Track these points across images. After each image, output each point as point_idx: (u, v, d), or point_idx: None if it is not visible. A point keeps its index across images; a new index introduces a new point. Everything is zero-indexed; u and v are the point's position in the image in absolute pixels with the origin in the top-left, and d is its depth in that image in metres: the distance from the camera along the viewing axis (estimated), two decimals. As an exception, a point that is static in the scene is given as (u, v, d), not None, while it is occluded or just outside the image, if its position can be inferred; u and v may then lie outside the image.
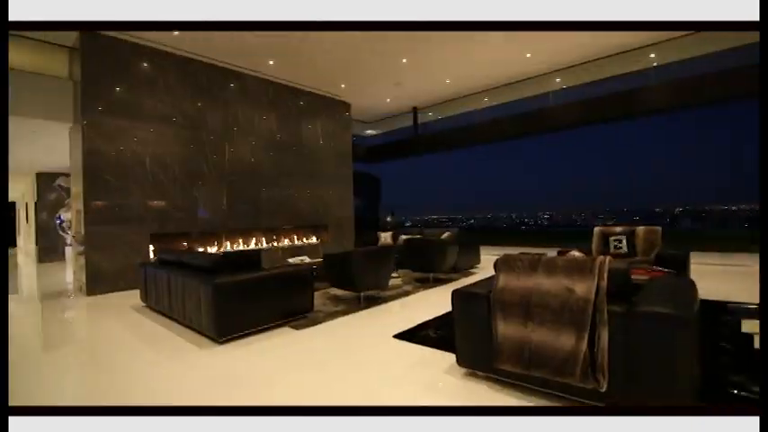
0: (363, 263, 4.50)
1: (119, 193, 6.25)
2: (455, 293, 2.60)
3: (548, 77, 9.39)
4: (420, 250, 5.89)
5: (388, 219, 13.80)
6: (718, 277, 5.68)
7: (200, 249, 7.41)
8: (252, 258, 4.02)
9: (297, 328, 3.83)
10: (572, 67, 8.90)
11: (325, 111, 9.82)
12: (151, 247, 6.61)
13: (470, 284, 2.71)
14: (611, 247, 5.09)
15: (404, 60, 8.18)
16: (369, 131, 13.37)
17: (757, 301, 2.48)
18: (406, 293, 5.29)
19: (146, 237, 6.54)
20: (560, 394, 2.16)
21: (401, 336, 3.49)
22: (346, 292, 5.24)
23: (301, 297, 4.06)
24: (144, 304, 4.99)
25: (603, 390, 1.93)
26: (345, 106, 10.44)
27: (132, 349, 3.46)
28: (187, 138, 7.12)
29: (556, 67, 8.98)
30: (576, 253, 4.24)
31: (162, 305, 4.38)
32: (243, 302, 3.52)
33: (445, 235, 6.77)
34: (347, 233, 10.22)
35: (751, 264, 6.79)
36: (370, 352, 3.18)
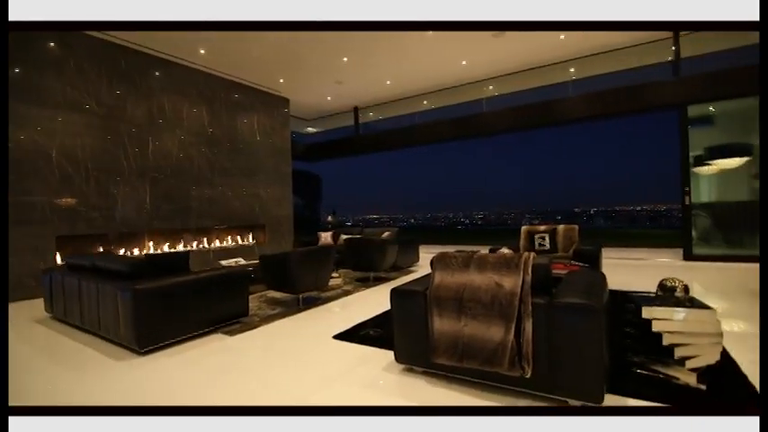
0: (302, 263, 4.39)
1: (17, 190, 5.46)
2: (393, 292, 2.63)
3: (482, 84, 9.90)
4: (360, 250, 5.90)
5: (330, 218, 13.64)
6: (624, 269, 6.40)
7: (121, 252, 6.73)
8: (179, 261, 3.73)
9: (230, 333, 3.63)
10: (503, 75, 9.48)
11: (263, 106, 9.44)
12: (59, 252, 5.87)
13: (408, 282, 2.76)
14: (536, 244, 5.51)
15: (345, 59, 8.13)
16: (309, 129, 13.10)
17: (653, 290, 2.83)
18: (347, 293, 5.27)
19: (51, 239, 5.79)
20: (491, 383, 2.28)
21: (341, 336, 3.46)
22: (284, 295, 5.08)
23: (235, 301, 3.85)
24: (49, 315, 4.41)
25: (528, 376, 2.07)
26: (284, 102, 10.12)
27: (35, 366, 3.04)
28: (103, 128, 6.42)
29: (489, 75, 9.50)
30: (505, 250, 4.52)
31: (72, 316, 3.90)
32: (168, 309, 3.25)
33: (385, 234, 6.85)
34: (286, 233, 9.92)
35: (650, 257, 7.77)
36: (310, 354, 3.11)
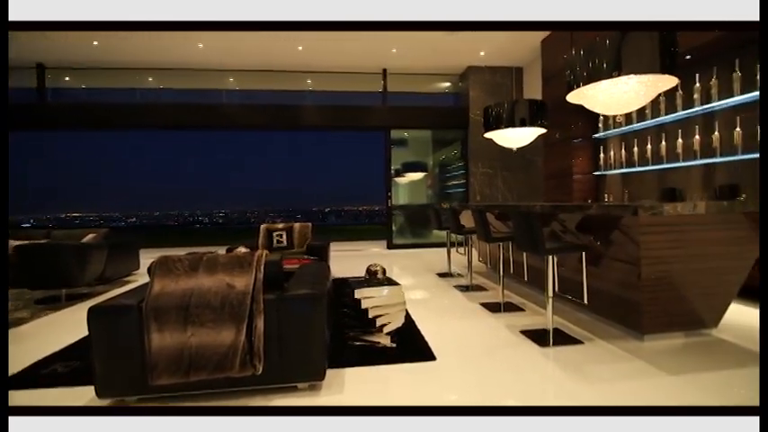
0: None
1: None
2: (92, 311, 2.08)
3: (222, 75, 9.32)
4: (44, 260, 4.36)
5: (-10, 217, 9.39)
6: (346, 259, 7.57)
7: None
8: None
9: None
10: (245, 71, 9.24)
11: None
12: None
13: (117, 296, 2.27)
14: (275, 241, 5.69)
15: (17, -7, 5.79)
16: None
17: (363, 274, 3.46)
18: (20, 322, 3.80)
19: None
20: (222, 390, 2.16)
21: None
22: None
23: None
24: None
25: (259, 373, 2.09)
26: None
27: None
28: None
29: (228, 66, 9.04)
30: (242, 249, 4.42)
31: None
32: None
33: (88, 237, 5.36)
34: None
35: (366, 248, 9.53)
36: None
